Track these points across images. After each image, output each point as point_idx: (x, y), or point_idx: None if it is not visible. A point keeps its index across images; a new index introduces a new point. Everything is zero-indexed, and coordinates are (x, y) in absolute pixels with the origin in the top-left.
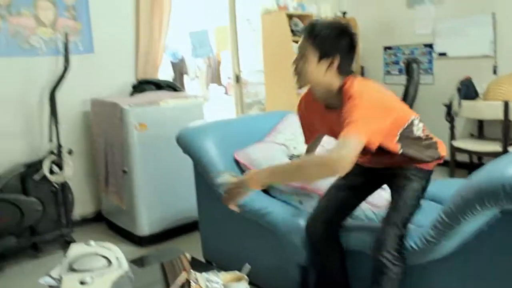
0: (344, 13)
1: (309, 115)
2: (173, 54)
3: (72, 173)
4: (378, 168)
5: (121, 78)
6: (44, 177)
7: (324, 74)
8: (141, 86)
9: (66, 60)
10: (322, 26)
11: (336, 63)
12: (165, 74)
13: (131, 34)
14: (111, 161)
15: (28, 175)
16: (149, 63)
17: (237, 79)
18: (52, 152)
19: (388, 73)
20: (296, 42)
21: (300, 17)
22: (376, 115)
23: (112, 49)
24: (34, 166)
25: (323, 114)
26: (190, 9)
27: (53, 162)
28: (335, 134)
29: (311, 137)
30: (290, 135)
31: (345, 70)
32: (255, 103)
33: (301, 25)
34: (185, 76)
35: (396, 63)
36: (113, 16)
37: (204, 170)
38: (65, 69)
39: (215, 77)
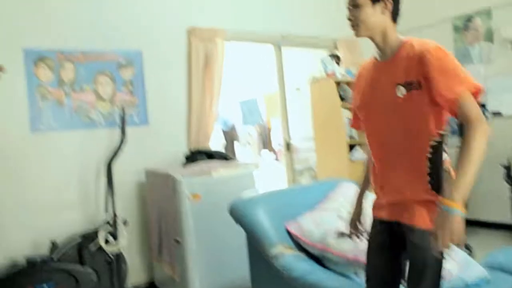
0: None
1: (356, 87)
2: (224, 123)
3: (127, 243)
4: (392, 222)
5: (174, 148)
6: (100, 247)
7: (380, 16)
8: (194, 156)
9: (123, 132)
10: None
11: (389, 4)
12: (217, 142)
13: (184, 106)
14: (164, 231)
15: (85, 245)
16: (201, 133)
17: (288, 146)
18: (107, 223)
19: None
20: (346, 108)
21: (349, 83)
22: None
23: (165, 121)
24: (90, 237)
25: (369, 76)
26: (240, 77)
27: (108, 232)
28: (365, 102)
29: (354, 119)
30: (343, 201)
31: (396, 15)
32: (306, 170)
33: (349, 91)
34: (236, 143)
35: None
36: (166, 90)
37: (257, 242)
38: (122, 141)
39: (266, 143)
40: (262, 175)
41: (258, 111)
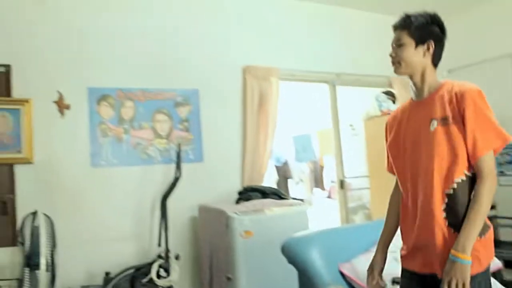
0: None
1: (389, 128)
2: (277, 159)
3: (178, 277)
4: (423, 274)
5: (228, 185)
6: (152, 280)
7: (421, 58)
8: (247, 193)
9: (178, 168)
10: (415, 17)
11: (431, 48)
12: (270, 177)
13: (238, 144)
14: (215, 267)
15: (137, 277)
16: (255, 171)
17: (341, 184)
18: (160, 256)
19: (502, 173)
20: None
21: None
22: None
23: (220, 158)
24: (143, 269)
25: (404, 116)
26: (293, 113)
27: (160, 266)
28: (402, 147)
29: (389, 162)
30: (398, 243)
31: (437, 59)
32: (359, 208)
33: None
34: (289, 180)
35: (511, 162)
36: (221, 127)
37: (310, 282)
38: (178, 178)
39: (318, 181)
40: (314, 213)
41: (312, 148)
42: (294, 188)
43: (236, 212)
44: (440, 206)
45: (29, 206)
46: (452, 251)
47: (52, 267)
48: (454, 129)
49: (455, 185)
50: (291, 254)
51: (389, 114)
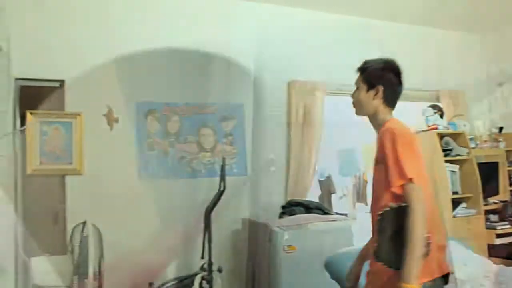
0: (500, 129)
1: None
2: (321, 173)
3: None
4: None
5: (272, 199)
6: None
7: (371, 101)
8: (291, 207)
9: (223, 181)
10: (370, 63)
11: (380, 92)
12: (312, 192)
13: (283, 158)
14: (258, 280)
15: None
16: (299, 185)
17: None
18: (203, 269)
19: None
20: (448, 161)
21: (452, 135)
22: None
23: (264, 172)
24: (186, 281)
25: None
26: (339, 127)
27: (203, 278)
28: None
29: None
30: None
31: (390, 101)
32: None
33: (453, 144)
34: (333, 195)
35: None
36: (266, 142)
37: None
38: (222, 191)
39: (361, 196)
40: (357, 228)
41: (356, 162)
42: (337, 203)
43: (280, 226)
44: (375, 235)
45: (79, 216)
46: (401, 284)
47: (99, 276)
48: (382, 167)
49: (379, 216)
50: (335, 270)
51: (436, 128)
